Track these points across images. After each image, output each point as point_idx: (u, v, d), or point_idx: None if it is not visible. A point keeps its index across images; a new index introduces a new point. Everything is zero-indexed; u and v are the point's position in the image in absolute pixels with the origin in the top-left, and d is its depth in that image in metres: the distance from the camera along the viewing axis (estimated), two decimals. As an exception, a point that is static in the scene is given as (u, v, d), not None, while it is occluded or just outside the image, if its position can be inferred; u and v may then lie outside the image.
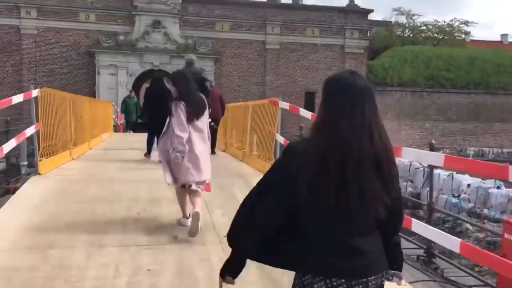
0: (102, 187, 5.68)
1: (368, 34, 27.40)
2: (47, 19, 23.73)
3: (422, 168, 20.88)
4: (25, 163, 6.64)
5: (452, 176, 18.31)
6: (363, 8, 26.72)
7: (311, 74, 26.32)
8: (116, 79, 24.34)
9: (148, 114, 8.67)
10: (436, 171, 18.72)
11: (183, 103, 4.35)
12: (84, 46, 24.24)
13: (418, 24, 41.47)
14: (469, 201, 16.59)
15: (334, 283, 1.63)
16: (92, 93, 23.70)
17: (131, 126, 18.21)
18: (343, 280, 1.63)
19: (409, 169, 20.88)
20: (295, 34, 26.06)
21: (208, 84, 7.88)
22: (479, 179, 16.24)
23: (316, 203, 1.64)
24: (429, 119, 27.86)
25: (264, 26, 25.73)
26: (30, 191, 5.45)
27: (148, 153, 8.55)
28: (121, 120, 19.03)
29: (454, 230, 12.97)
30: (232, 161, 9.21)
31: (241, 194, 4.98)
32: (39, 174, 6.15)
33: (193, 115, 4.37)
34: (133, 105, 18.01)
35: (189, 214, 4.32)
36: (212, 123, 8.91)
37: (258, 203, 1.70)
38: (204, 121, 4.50)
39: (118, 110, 19.65)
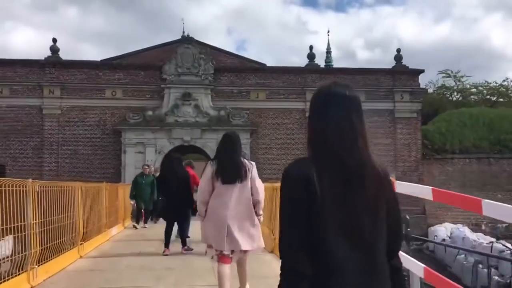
0: None
1: (421, 97, 24.49)
2: (71, 97, 22.25)
3: (509, 252, 16.95)
4: None
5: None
6: (412, 69, 24.10)
7: (358, 143, 23.42)
8: (143, 157, 22.13)
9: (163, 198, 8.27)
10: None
11: (213, 161, 4.39)
12: (109, 124, 22.43)
13: (468, 86, 38.55)
14: None
15: None
16: (118, 175, 21.54)
17: (148, 214, 13.85)
18: None
19: (491, 251, 16.99)
20: (338, 100, 23.45)
21: None
22: None
23: (325, 221, 1.55)
24: (502, 189, 23.91)
25: (303, 93, 23.38)
26: None
27: (166, 245, 7.77)
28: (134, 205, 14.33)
29: None
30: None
31: None
32: None
33: (221, 176, 4.19)
34: (147, 186, 13.10)
35: None
36: None
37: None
38: (244, 187, 4.24)
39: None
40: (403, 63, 24.21)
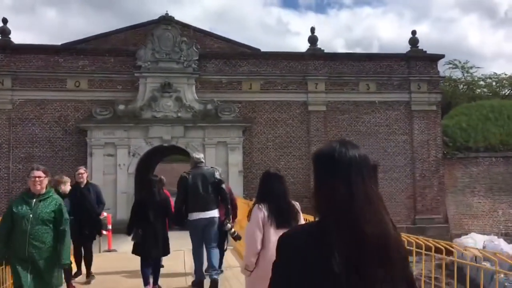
0: None
1: (440, 86, 21.10)
2: (24, 89, 18.32)
3: None
4: None
5: None
6: (431, 54, 20.68)
7: (369, 140, 19.86)
8: (114, 161, 18.35)
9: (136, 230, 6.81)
10: None
11: (263, 205, 3.78)
12: (72, 121, 18.55)
13: (476, 78, 35.49)
14: None
15: None
16: (83, 182, 17.64)
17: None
18: None
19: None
20: (346, 90, 20.03)
21: (225, 187, 6.98)
22: None
23: None
24: (535, 192, 20.67)
25: (304, 83, 19.82)
26: None
27: (146, 283, 6.69)
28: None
29: None
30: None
31: None
32: None
33: (276, 222, 3.69)
34: (41, 222, 4.68)
35: None
36: (235, 233, 6.94)
37: None
38: None
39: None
40: (419, 48, 20.78)
